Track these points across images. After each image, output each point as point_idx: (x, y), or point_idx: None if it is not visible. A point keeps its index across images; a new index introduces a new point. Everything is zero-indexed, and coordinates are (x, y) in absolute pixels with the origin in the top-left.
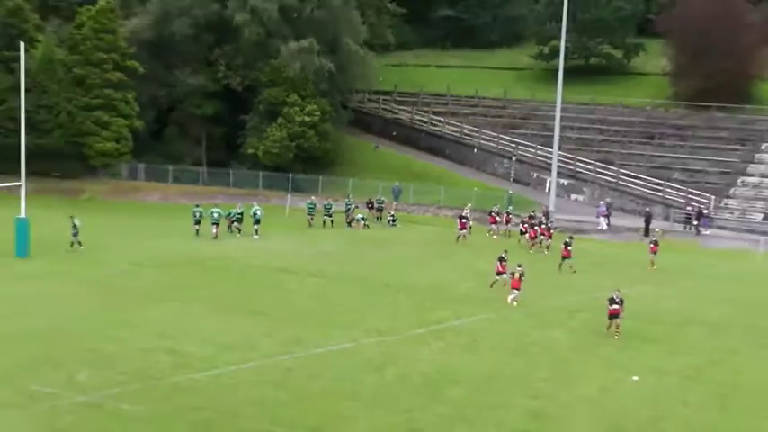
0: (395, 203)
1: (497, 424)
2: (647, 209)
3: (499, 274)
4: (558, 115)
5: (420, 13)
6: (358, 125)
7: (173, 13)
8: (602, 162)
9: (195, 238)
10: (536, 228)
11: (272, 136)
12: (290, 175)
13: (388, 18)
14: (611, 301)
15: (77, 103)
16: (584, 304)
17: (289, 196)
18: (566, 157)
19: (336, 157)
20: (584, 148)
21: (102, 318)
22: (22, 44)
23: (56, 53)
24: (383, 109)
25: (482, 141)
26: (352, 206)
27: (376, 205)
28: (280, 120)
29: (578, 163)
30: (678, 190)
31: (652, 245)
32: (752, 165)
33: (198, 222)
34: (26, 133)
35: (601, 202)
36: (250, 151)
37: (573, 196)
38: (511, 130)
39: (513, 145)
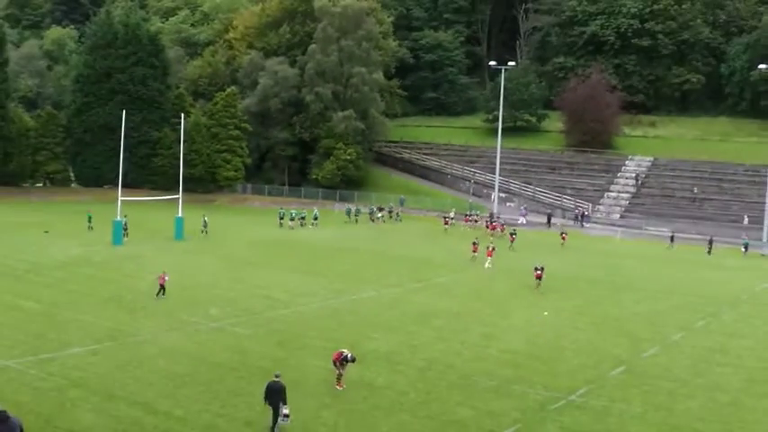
0: (400, 208)
1: (462, 341)
2: (549, 211)
3: (474, 252)
4: (498, 155)
5: (416, 94)
6: (378, 161)
7: (269, 95)
8: (524, 183)
9: (279, 228)
10: (494, 223)
11: (327, 167)
12: (338, 191)
13: (396, 97)
14: (536, 268)
15: (212, 148)
16: (516, 269)
17: (336, 204)
18: (503, 180)
19: (365, 180)
20: (513, 174)
21: (225, 276)
22: (182, 115)
23: (201, 120)
24: (394, 151)
25: (453, 171)
26: (375, 209)
27: (387, 209)
28: (331, 158)
29: (510, 183)
30: (570, 200)
31: (563, 234)
32: (612, 185)
33: (281, 218)
34: (183, 166)
35: (522, 207)
36: (314, 177)
37: (507, 204)
38: (470, 164)
39: (472, 173)
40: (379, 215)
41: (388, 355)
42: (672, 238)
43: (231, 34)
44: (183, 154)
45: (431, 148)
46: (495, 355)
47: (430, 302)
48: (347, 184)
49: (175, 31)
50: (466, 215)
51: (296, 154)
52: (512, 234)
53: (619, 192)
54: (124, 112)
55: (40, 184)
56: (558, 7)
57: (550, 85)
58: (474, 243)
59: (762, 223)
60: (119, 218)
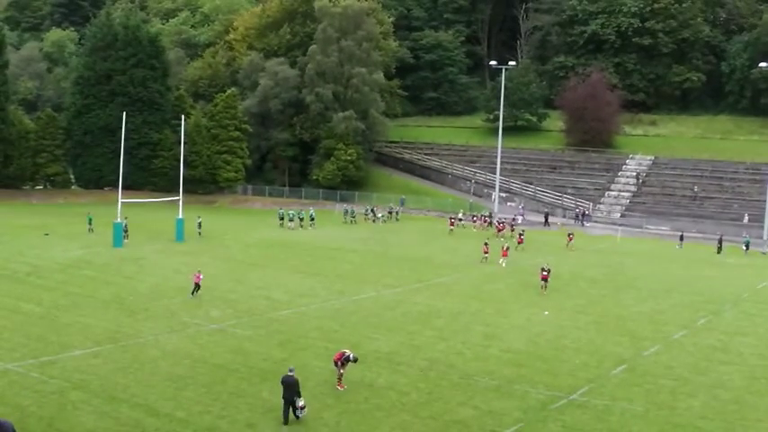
0: (401, 208)
1: (463, 341)
2: (546, 210)
3: (485, 253)
4: (498, 155)
5: (416, 94)
6: (379, 161)
7: (270, 96)
8: (525, 182)
9: (280, 229)
10: (502, 224)
11: (328, 168)
12: (338, 192)
13: (396, 98)
14: (542, 269)
15: (213, 150)
16: (517, 269)
17: (337, 204)
18: (503, 180)
19: (366, 181)
20: (514, 174)
21: (226, 277)
22: (183, 116)
23: (201, 121)
24: (394, 151)
25: (454, 171)
26: (369, 209)
27: (387, 209)
28: (332, 158)
29: (511, 183)
30: (570, 199)
31: (570, 235)
32: (613, 184)
33: (282, 219)
34: (183, 167)
35: (519, 207)
36: (314, 177)
37: (508, 203)
38: (470, 164)
39: (472, 172)
40: (380, 215)
41: (390, 355)
42: (681, 238)
43: (231, 35)
44: (184, 155)
45: (431, 148)
46: (497, 354)
47: (431, 302)
48: (348, 185)
49: (175, 32)
50: (474, 216)
51: (296, 155)
52: (520, 235)
53: (619, 191)
54: (124, 113)
55: (41, 187)
56: (558, 6)
57: (551, 84)
58: (485, 244)
59: (762, 221)
60: (119, 220)
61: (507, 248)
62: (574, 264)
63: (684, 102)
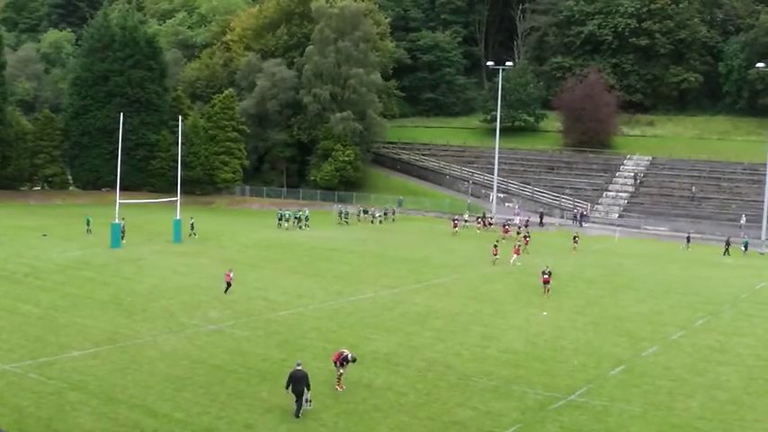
0: (399, 209)
1: (461, 342)
2: (541, 210)
3: (495, 254)
4: (496, 156)
5: (414, 95)
6: (377, 162)
7: (267, 97)
8: (523, 183)
9: (277, 229)
10: (507, 226)
11: (326, 169)
12: (336, 193)
13: (394, 98)
14: (543, 272)
15: (210, 150)
16: (517, 269)
17: (335, 205)
18: (501, 180)
19: (364, 181)
20: (512, 175)
21: (224, 278)
22: (180, 117)
23: (199, 122)
24: (392, 152)
25: (451, 172)
26: (361, 210)
27: (383, 210)
28: (330, 159)
29: (509, 183)
30: (568, 200)
31: (575, 238)
32: (611, 185)
33: (280, 219)
34: (181, 168)
35: (516, 207)
36: (312, 178)
37: (506, 204)
38: (468, 165)
39: (470, 173)
40: (377, 215)
41: (388, 356)
42: (688, 239)
43: (228, 36)
44: (181, 156)
45: (429, 149)
46: (495, 355)
47: (429, 303)
48: (346, 186)
49: (173, 33)
50: (478, 218)
51: (294, 155)
52: (525, 237)
53: (617, 191)
54: (122, 114)
55: (39, 188)
56: (555, 7)
57: (548, 84)
58: (495, 246)
59: (759, 222)
60: (117, 221)
61: (519, 247)
62: (572, 264)
63: (682, 102)
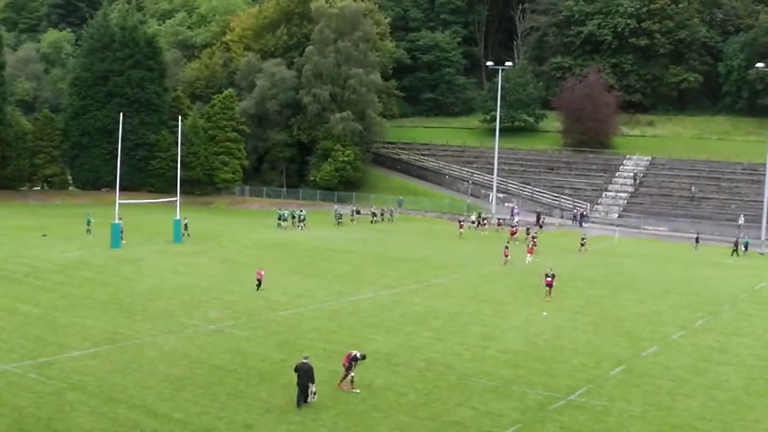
0: (399, 209)
1: (461, 342)
2: (538, 209)
3: (506, 256)
4: (496, 156)
5: (413, 95)
6: (376, 162)
7: (267, 97)
8: (523, 183)
9: (276, 229)
10: (514, 228)
11: (325, 169)
12: (336, 193)
13: (393, 99)
14: (546, 275)
15: (210, 151)
16: (517, 269)
17: (335, 205)
18: (501, 181)
19: (364, 181)
20: (511, 175)
21: (224, 278)
22: (180, 117)
23: (198, 122)
24: (391, 152)
25: (451, 172)
26: (354, 210)
27: (380, 210)
28: (330, 159)
29: (509, 184)
30: (568, 200)
31: (583, 240)
32: (610, 185)
33: (280, 219)
34: (180, 168)
35: (515, 207)
36: (312, 178)
37: (506, 204)
38: (468, 165)
39: (470, 173)
40: (378, 214)
41: (388, 356)
42: (697, 240)
43: (228, 36)
44: (181, 156)
45: (429, 149)
46: (495, 355)
47: (429, 303)
48: (345, 186)
49: (172, 33)
50: (484, 219)
51: (294, 156)
52: (533, 238)
53: (617, 191)
54: (121, 114)
55: (38, 188)
56: (554, 7)
57: (548, 85)
58: (506, 247)
59: (758, 222)
60: (116, 221)
61: (533, 245)
62: (572, 264)
63: (681, 102)
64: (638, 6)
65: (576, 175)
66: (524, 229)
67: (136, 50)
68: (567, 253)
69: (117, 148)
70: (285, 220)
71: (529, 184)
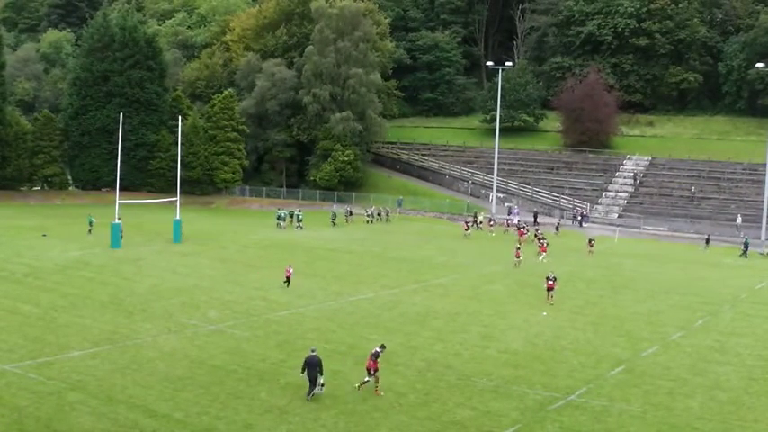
0: (398, 209)
1: (461, 342)
2: (535, 209)
3: (517, 257)
4: (496, 156)
5: (413, 95)
6: (376, 162)
7: (267, 97)
8: (523, 183)
9: (276, 229)
10: (522, 229)
11: (325, 169)
12: (336, 193)
13: (393, 99)
14: (548, 278)
15: (210, 151)
16: (517, 270)
17: (334, 205)
18: (501, 181)
19: (364, 181)
20: (511, 175)
21: (223, 278)
22: (180, 117)
23: (198, 122)
24: (391, 152)
25: (451, 172)
26: (348, 210)
27: (377, 210)
28: (329, 159)
29: (509, 184)
30: (568, 200)
31: (591, 241)
32: (610, 185)
33: (278, 219)
34: (180, 168)
35: (514, 208)
36: (312, 178)
37: (506, 204)
38: (468, 165)
39: (470, 173)
40: (378, 214)
41: (387, 356)
42: (707, 241)
43: (228, 36)
44: (181, 156)
45: (429, 149)
46: (494, 355)
47: (428, 303)
48: (345, 186)
49: (172, 33)
50: (491, 220)
51: (294, 156)
52: (539, 239)
53: (617, 191)
54: (121, 114)
55: (38, 188)
56: (554, 7)
57: (548, 85)
58: (517, 248)
59: (758, 222)
60: (116, 221)
61: (547, 244)
62: (572, 264)
63: (681, 102)
64: (638, 6)
65: (576, 175)
66: (534, 230)
67: (136, 50)
68: (567, 253)
69: (117, 148)
70: (284, 220)
71: (529, 185)
